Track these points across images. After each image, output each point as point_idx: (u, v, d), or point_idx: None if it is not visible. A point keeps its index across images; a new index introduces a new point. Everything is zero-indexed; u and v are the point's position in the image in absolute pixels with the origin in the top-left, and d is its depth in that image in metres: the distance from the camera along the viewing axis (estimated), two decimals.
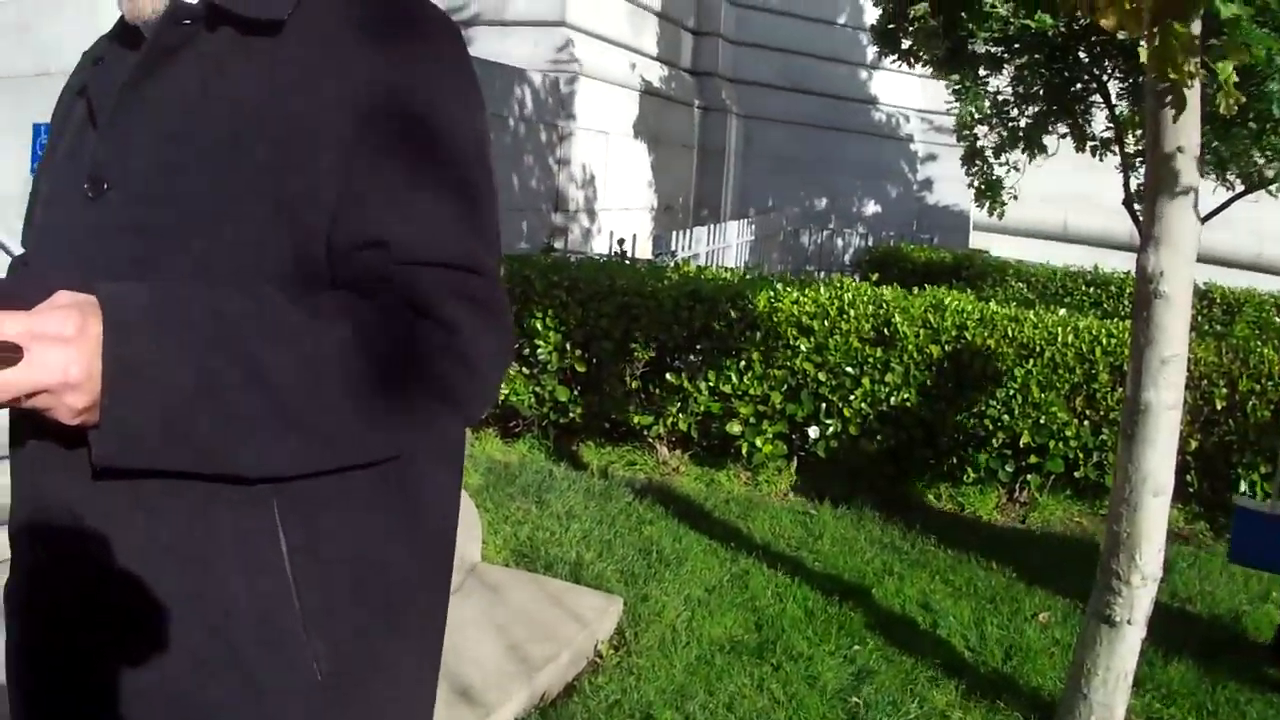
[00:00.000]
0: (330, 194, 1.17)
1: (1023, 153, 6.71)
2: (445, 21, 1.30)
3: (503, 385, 4.37)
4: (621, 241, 8.04)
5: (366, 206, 1.18)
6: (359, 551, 1.21)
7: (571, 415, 6.09)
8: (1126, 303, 9.56)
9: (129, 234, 1.24)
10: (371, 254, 1.18)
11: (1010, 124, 6.73)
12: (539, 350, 5.89)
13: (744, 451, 5.63)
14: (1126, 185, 5.63)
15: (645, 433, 5.93)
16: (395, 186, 1.18)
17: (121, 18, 1.39)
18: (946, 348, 5.36)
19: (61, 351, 1.03)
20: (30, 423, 1.15)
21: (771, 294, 5.69)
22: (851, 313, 5.52)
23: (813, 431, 5.54)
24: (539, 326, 5.86)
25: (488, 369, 1.22)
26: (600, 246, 9.69)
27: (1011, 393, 5.20)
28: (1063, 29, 5.55)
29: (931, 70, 6.91)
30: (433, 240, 1.18)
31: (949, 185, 14.21)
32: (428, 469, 1.27)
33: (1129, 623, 3.05)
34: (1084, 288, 10.58)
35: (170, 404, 1.06)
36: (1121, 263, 10.91)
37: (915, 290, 5.89)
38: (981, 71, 6.52)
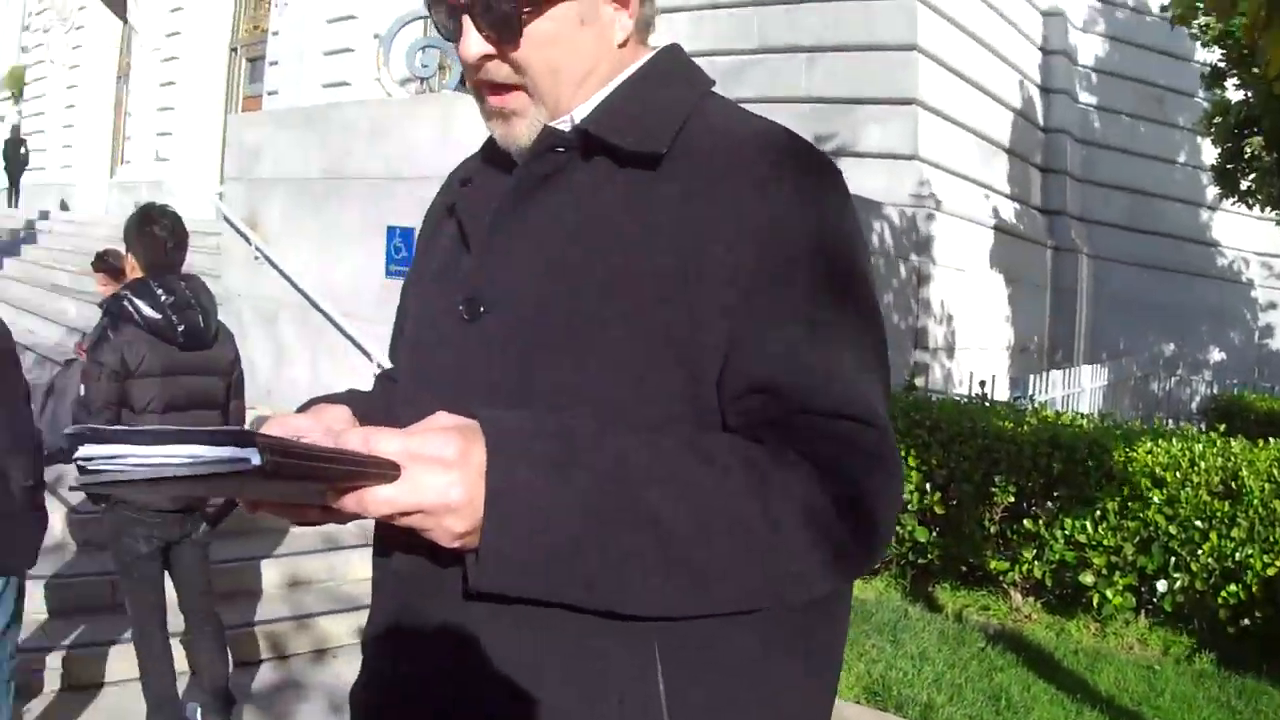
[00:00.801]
0: (719, 335, 1.37)
1: None
2: (827, 161, 1.50)
3: None
4: (983, 384, 9.12)
5: (760, 351, 1.36)
6: (738, 696, 1.38)
7: (930, 556, 7.22)
8: None
9: (505, 359, 1.48)
10: (765, 399, 1.36)
11: None
12: None
13: (1094, 602, 6.56)
14: None
15: (1000, 578, 7.01)
16: (790, 333, 1.36)
17: (490, 139, 1.66)
18: None
19: (442, 474, 1.24)
20: (402, 538, 1.36)
21: (1126, 445, 6.63)
22: (1201, 465, 6.36)
23: (1161, 585, 6.43)
24: None
25: (880, 522, 1.36)
26: (959, 385, 10.50)
27: None
28: None
29: (1271, 210, 7.28)
30: (829, 390, 1.35)
31: None
32: (813, 618, 1.45)
33: None
34: None
35: (553, 537, 1.25)
36: None
37: (1260, 442, 6.64)
38: None
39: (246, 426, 5.20)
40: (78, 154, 29.35)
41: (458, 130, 7.42)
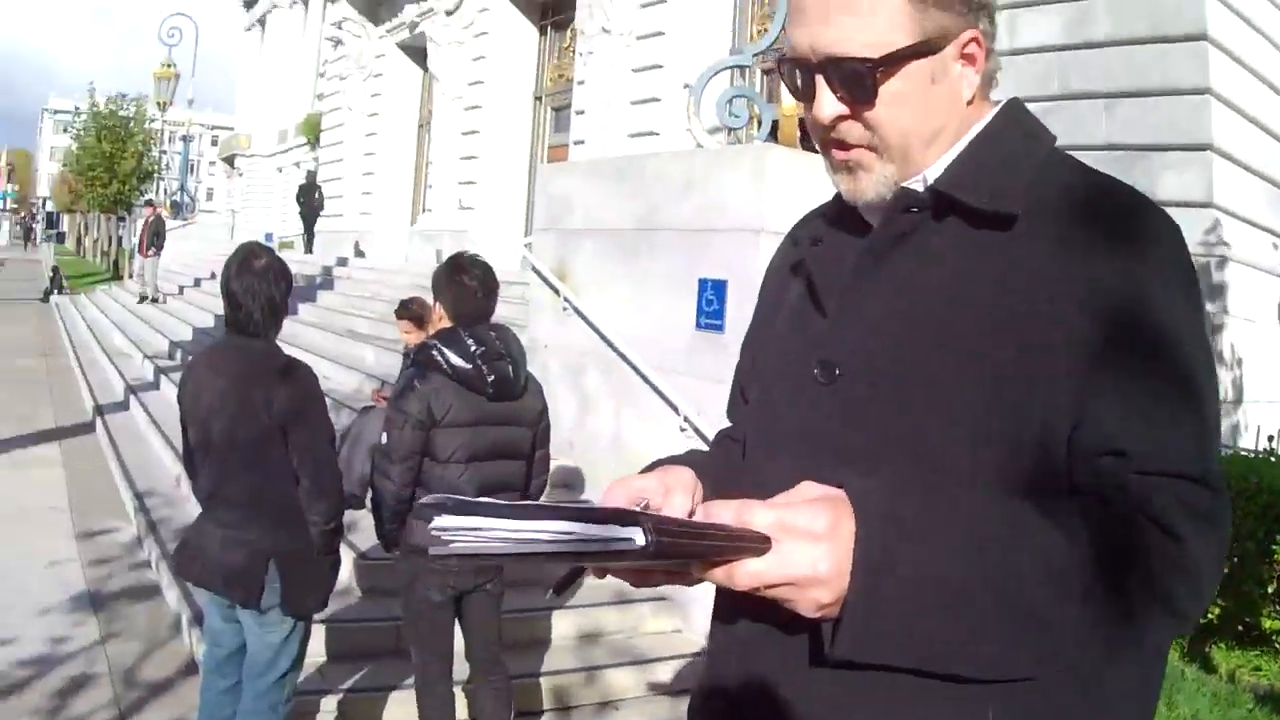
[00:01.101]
0: (1067, 398, 1.49)
1: None
2: (1168, 221, 1.60)
3: None
4: (1271, 438, 9.13)
5: (1109, 415, 1.47)
6: None
7: (1210, 615, 7.27)
8: None
9: (862, 422, 1.60)
10: (1110, 461, 1.47)
11: None
12: None
13: None
14: None
15: (1274, 638, 7.14)
16: (1137, 397, 1.47)
17: (836, 198, 1.82)
18: None
19: (812, 548, 1.36)
20: (748, 603, 1.46)
21: None
22: None
23: None
24: None
25: (1209, 583, 1.49)
26: (1244, 438, 10.26)
27: None
28: None
29: None
30: (1171, 452, 1.47)
31: None
32: (1131, 674, 1.58)
33: None
34: None
35: (916, 606, 1.37)
36: None
37: None
38: None
39: (548, 477, 5.46)
40: (376, 201, 31.19)
41: (770, 181, 7.58)
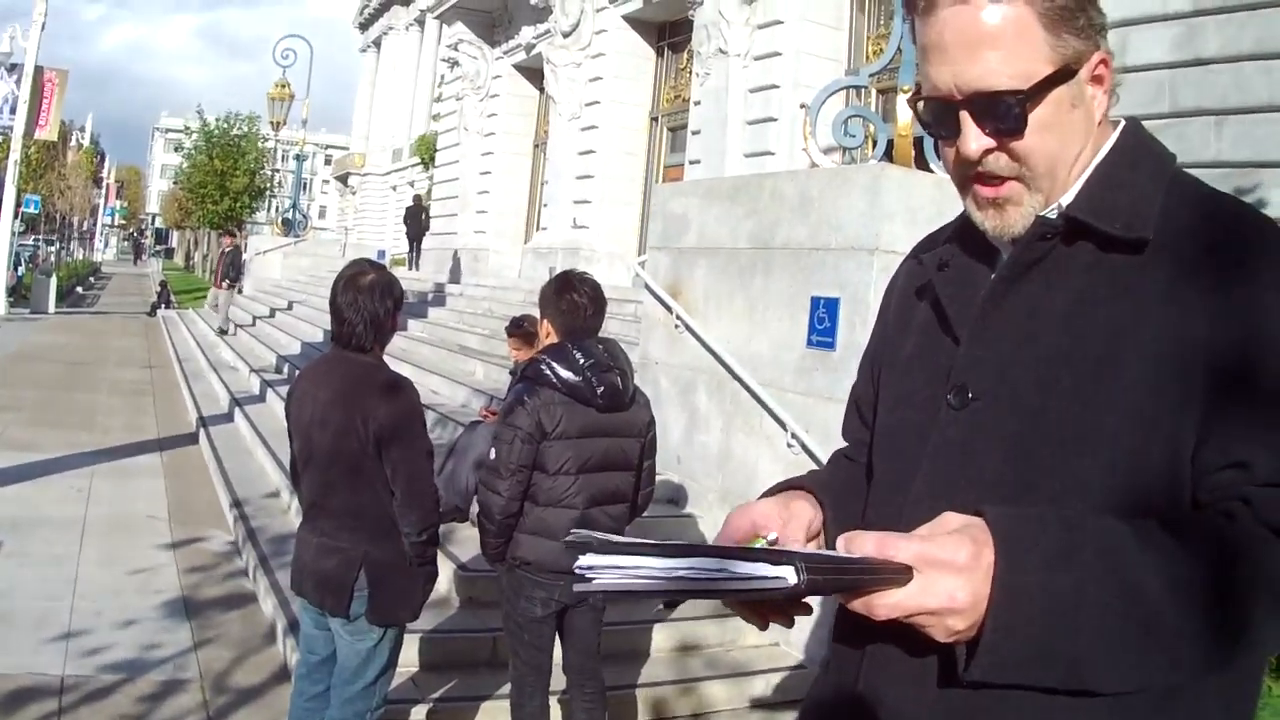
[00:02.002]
0: (1194, 419, 1.54)
1: None
2: None
3: None
4: None
5: (1232, 430, 1.53)
6: None
7: None
8: None
9: (999, 450, 1.66)
10: (1233, 474, 1.53)
11: None
12: None
13: None
14: None
15: None
16: (1260, 414, 1.52)
17: (961, 221, 1.87)
18: None
19: (953, 579, 1.43)
20: (878, 625, 1.50)
21: None
22: None
23: None
24: None
25: None
26: None
27: None
28: None
29: None
30: None
31: None
32: (1241, 680, 1.65)
33: None
34: None
35: (1049, 632, 1.43)
36: None
37: None
38: None
39: (654, 489, 5.49)
40: (490, 220, 31.56)
41: (885, 200, 7.58)
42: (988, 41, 1.63)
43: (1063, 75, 1.65)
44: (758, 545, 1.66)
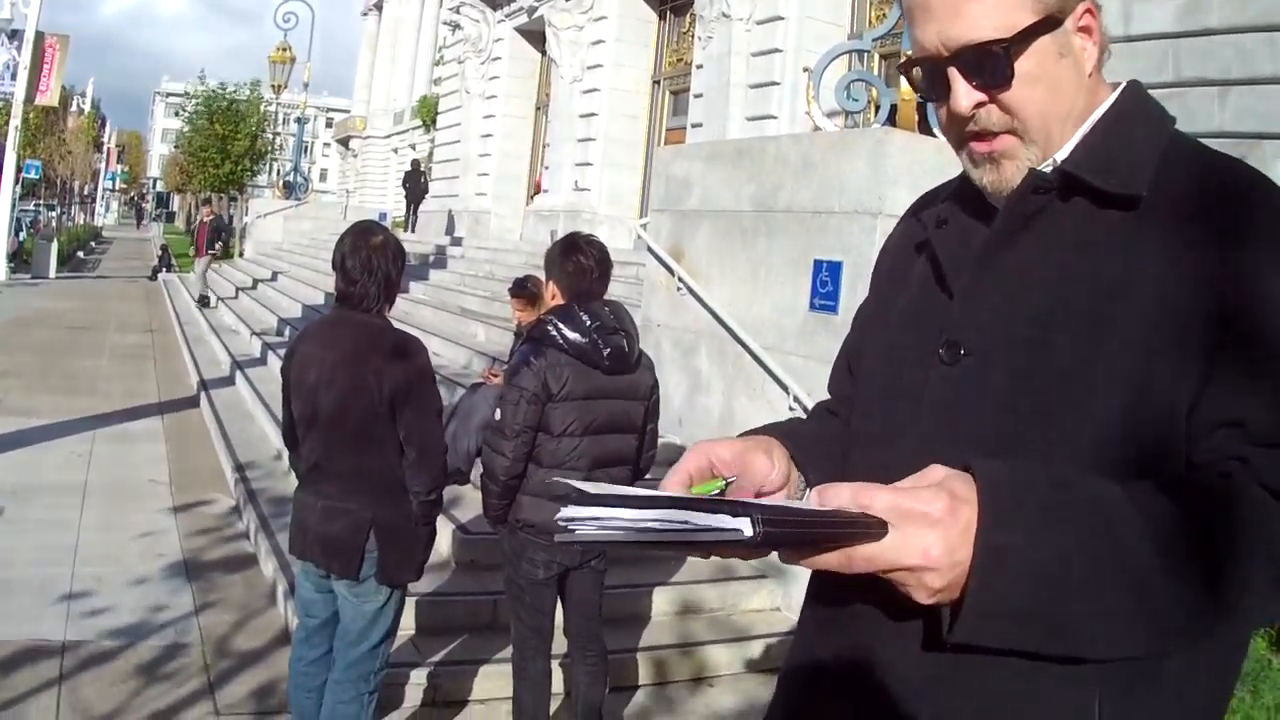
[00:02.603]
0: (1195, 376, 1.51)
1: None
2: None
3: None
4: None
5: (1228, 389, 1.50)
6: None
7: None
8: None
9: (989, 405, 1.63)
10: (1228, 433, 1.50)
11: None
12: None
13: None
14: None
15: None
16: (1257, 373, 1.49)
17: (961, 179, 1.85)
18: None
19: (927, 532, 1.38)
20: (858, 580, 1.46)
21: None
22: None
23: None
24: None
25: None
26: None
27: None
28: None
29: None
30: None
31: None
32: (1227, 653, 1.63)
33: None
34: None
35: (1036, 593, 1.39)
36: None
37: None
38: None
39: (657, 451, 5.50)
40: (492, 183, 31.57)
41: (889, 165, 7.58)
42: None
43: (1047, 24, 1.63)
44: (714, 488, 1.68)
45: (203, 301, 26.64)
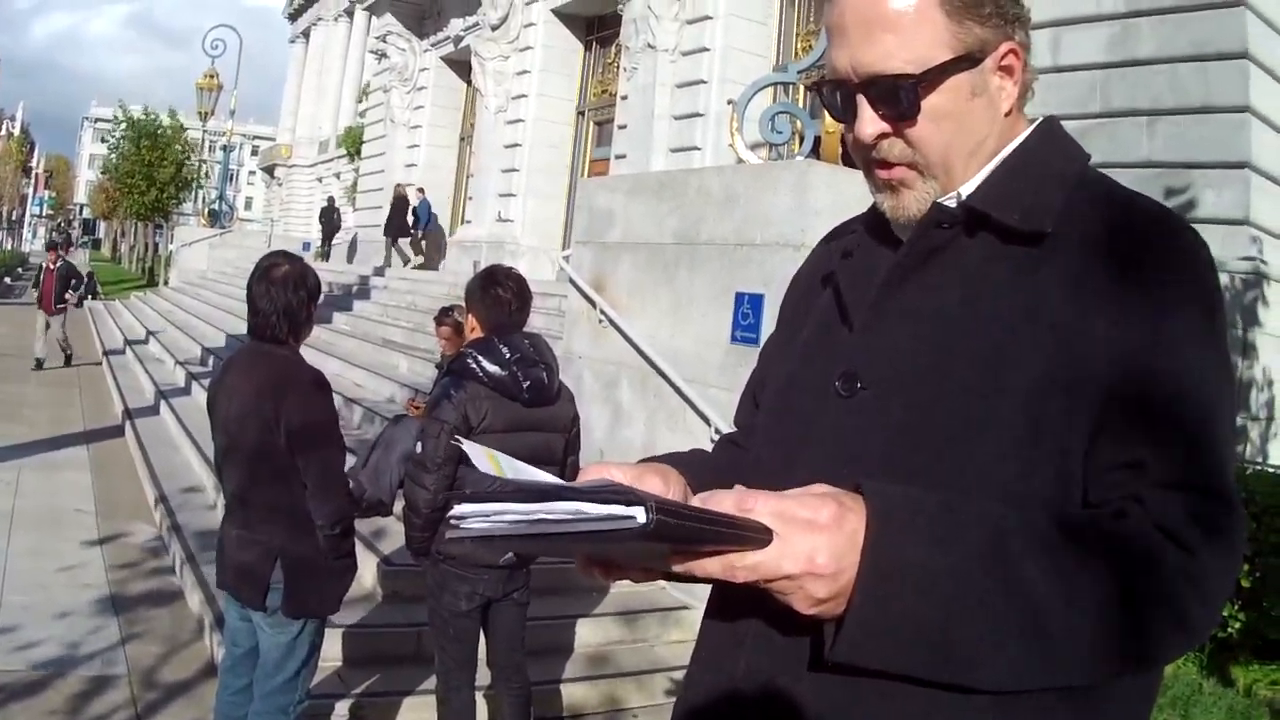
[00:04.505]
0: (1091, 414, 1.51)
1: None
2: (1195, 240, 1.62)
3: None
4: None
5: (1126, 430, 1.50)
6: None
7: (1230, 630, 7.42)
8: None
9: (885, 438, 1.61)
10: (1125, 474, 1.50)
11: None
12: None
13: None
14: None
15: None
16: (1154, 414, 1.50)
17: (871, 211, 1.84)
18: None
19: (811, 539, 1.35)
20: (749, 601, 1.48)
21: None
22: None
23: None
24: None
25: (1218, 596, 1.50)
26: (1276, 458, 10.80)
27: None
28: None
29: None
30: (1185, 466, 1.49)
31: None
32: (1129, 689, 1.57)
33: None
34: None
35: (923, 612, 1.36)
36: None
37: None
38: None
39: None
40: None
41: (812, 197, 7.62)
42: (884, 24, 1.62)
43: (962, 63, 1.63)
44: None
45: (56, 361, 22.24)
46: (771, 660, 1.58)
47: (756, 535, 1.33)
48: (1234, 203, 11.13)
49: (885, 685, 1.41)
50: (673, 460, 1.89)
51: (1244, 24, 11.27)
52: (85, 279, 27.66)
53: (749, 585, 1.36)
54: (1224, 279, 10.86)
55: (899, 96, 1.63)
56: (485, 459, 1.52)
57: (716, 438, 7.97)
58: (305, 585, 4.72)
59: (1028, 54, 1.72)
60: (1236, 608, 7.35)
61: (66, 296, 23.42)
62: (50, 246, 27.19)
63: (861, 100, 1.66)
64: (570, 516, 1.28)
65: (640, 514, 1.23)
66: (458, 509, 1.35)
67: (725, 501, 1.36)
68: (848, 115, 1.70)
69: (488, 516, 1.34)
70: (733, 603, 1.60)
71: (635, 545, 1.32)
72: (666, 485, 1.72)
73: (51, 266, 23.42)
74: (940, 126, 1.65)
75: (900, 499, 1.40)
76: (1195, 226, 1.64)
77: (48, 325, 22.67)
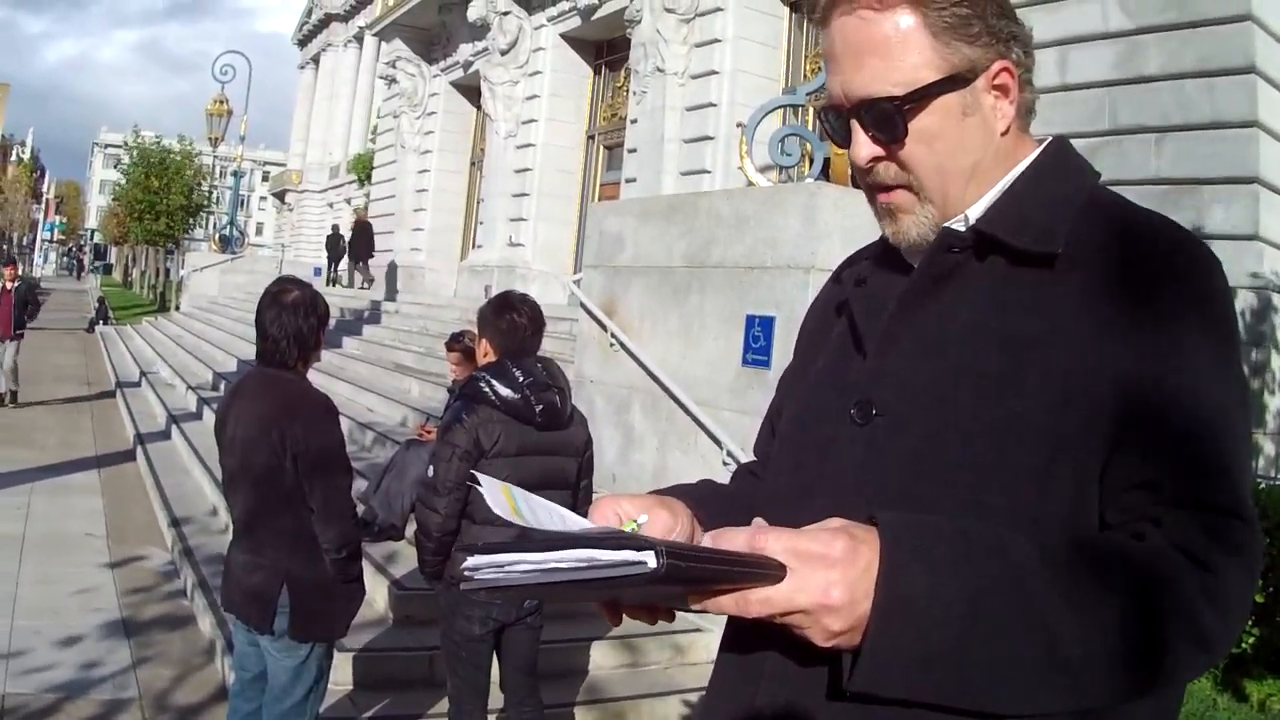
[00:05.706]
0: (1106, 436, 1.50)
1: None
2: (1208, 258, 1.62)
3: None
4: None
5: (1141, 451, 1.49)
6: None
7: (1244, 645, 7.41)
8: None
9: (899, 466, 1.60)
10: (1141, 495, 1.50)
11: None
12: None
13: None
14: None
15: None
16: (1169, 434, 1.49)
17: (883, 239, 1.82)
18: None
19: (825, 573, 1.36)
20: (766, 631, 1.45)
21: None
22: None
23: None
24: None
25: (1237, 614, 1.49)
26: None
27: None
28: None
29: None
30: (1201, 485, 1.48)
31: None
32: (1154, 708, 1.57)
33: None
34: None
35: (940, 641, 1.36)
36: None
37: None
38: None
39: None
40: (426, 238, 31.49)
41: (822, 219, 7.63)
42: (872, 49, 1.64)
43: (950, 83, 1.64)
44: (628, 529, 1.62)
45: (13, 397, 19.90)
46: (790, 691, 1.58)
47: (769, 572, 1.34)
48: (1243, 218, 11.14)
49: (904, 713, 1.41)
50: (681, 493, 1.88)
51: (1251, 39, 11.31)
52: (37, 304, 25.79)
53: (764, 619, 1.37)
54: (1234, 294, 10.92)
55: (887, 119, 1.65)
56: (501, 495, 1.52)
57: (728, 460, 8.08)
58: (312, 609, 4.72)
59: (1027, 73, 1.73)
60: (1251, 623, 7.35)
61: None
62: (9, 262, 22.04)
63: (855, 124, 1.70)
64: (583, 564, 1.30)
65: (650, 558, 1.25)
66: (471, 561, 1.37)
67: (737, 539, 1.38)
68: (844, 140, 1.73)
69: (501, 567, 1.35)
70: (749, 635, 1.60)
71: (647, 588, 1.32)
72: (675, 519, 1.73)
73: (9, 286, 20.27)
74: (932, 147, 1.66)
75: (914, 529, 1.40)
76: (1212, 244, 1.64)
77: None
